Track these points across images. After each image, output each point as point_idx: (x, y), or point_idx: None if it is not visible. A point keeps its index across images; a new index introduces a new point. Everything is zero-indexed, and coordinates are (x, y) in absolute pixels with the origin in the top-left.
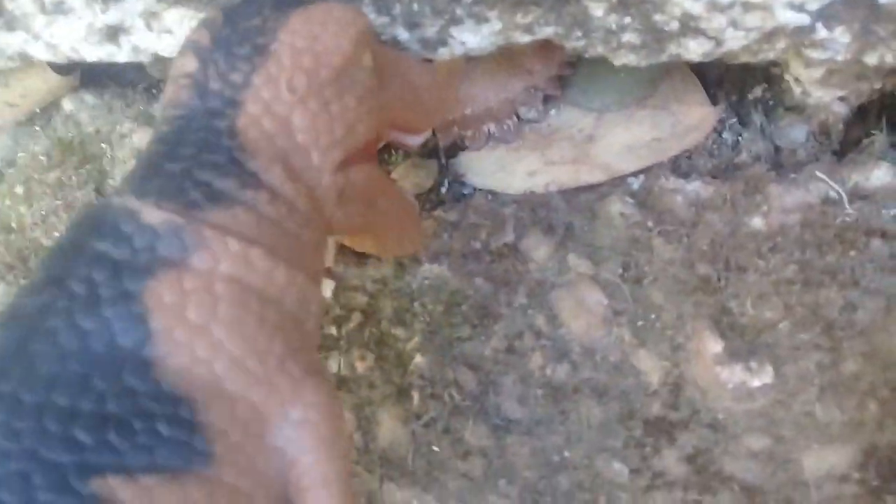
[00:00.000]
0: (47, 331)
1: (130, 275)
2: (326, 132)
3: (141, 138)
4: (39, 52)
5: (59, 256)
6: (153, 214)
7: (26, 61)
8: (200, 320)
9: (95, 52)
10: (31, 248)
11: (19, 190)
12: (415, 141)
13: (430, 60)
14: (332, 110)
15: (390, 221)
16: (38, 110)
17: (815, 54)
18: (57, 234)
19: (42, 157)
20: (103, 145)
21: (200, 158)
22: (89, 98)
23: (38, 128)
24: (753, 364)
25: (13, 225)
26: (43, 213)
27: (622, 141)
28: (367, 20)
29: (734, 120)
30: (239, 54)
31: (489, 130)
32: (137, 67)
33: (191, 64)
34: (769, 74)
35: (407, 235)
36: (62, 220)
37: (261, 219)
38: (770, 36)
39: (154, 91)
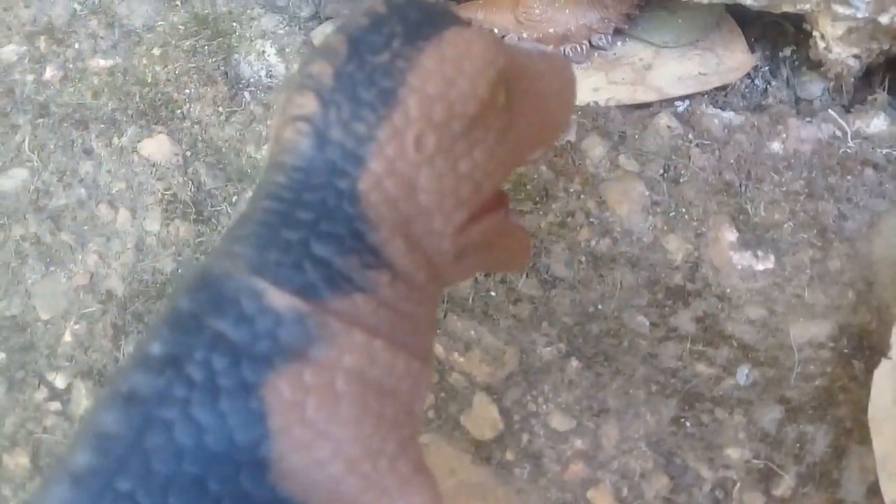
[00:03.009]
0: (164, 423)
1: (250, 364)
2: (452, 194)
3: (267, 23)
4: None
5: (178, 329)
6: (277, 298)
7: None
8: (321, 420)
9: None
10: (162, 100)
11: (156, 52)
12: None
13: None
14: (461, 168)
15: (503, 259)
16: None
17: (841, 9)
18: (188, 91)
19: (180, 27)
20: (234, 24)
21: (319, 228)
22: None
23: (177, 3)
24: (760, 253)
25: (148, 80)
26: (176, 72)
27: (674, 72)
28: (507, 50)
29: (766, 69)
30: (363, 99)
31: (565, 50)
32: None
33: (310, 105)
34: (798, 38)
35: (515, 260)
36: (193, 81)
37: (380, 304)
38: None
39: None
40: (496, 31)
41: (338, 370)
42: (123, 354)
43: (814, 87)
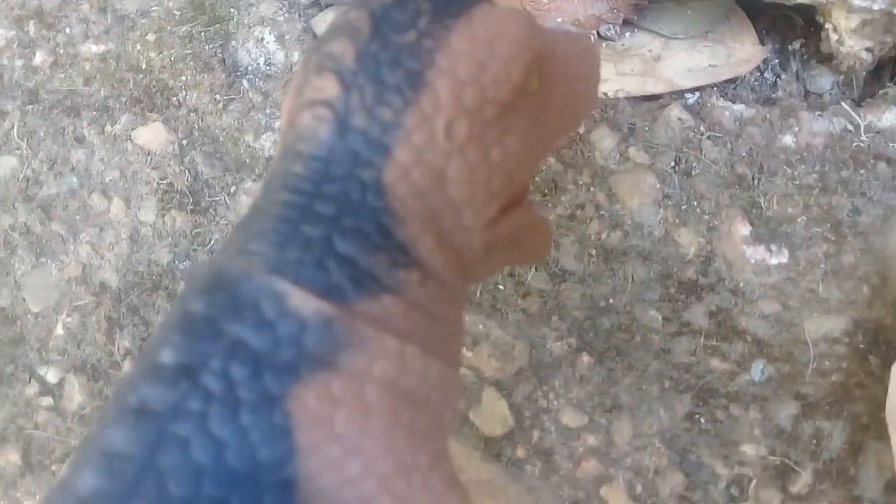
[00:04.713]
0: (179, 440)
1: (273, 374)
2: (483, 186)
3: (266, 9)
4: None
5: (191, 335)
6: (300, 301)
7: None
8: (351, 434)
9: None
10: (157, 87)
11: (151, 38)
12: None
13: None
14: (493, 158)
15: (527, 252)
16: None
17: (856, 1)
18: (184, 78)
19: (175, 12)
20: (232, 10)
21: (342, 223)
22: None
23: None
24: (773, 247)
25: (143, 66)
26: (172, 59)
27: (684, 63)
28: (541, 31)
29: (776, 62)
30: (388, 82)
31: None
32: None
33: (331, 88)
34: (807, 32)
35: (539, 253)
36: (189, 67)
37: (411, 307)
38: None
39: None
40: None
41: (368, 380)
42: (118, 348)
43: (823, 81)
